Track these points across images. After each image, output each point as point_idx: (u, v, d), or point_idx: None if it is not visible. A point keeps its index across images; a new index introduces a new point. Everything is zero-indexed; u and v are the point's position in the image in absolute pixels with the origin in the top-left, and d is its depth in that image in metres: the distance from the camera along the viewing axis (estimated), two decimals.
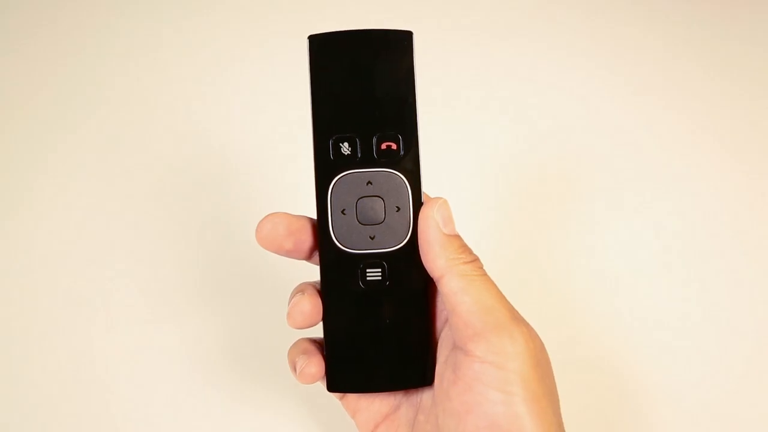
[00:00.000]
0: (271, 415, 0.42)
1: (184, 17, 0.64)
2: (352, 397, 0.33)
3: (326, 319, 0.31)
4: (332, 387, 0.32)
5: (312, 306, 0.31)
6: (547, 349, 0.30)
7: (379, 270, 0.31)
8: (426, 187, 0.31)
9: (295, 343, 0.33)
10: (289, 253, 0.31)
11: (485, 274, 0.30)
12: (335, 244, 0.31)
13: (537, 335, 0.29)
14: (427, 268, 0.30)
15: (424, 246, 0.30)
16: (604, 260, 0.50)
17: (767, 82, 0.62)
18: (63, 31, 0.63)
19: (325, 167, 0.31)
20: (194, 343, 0.45)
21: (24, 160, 0.54)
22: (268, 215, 0.31)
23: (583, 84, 0.61)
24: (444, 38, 0.63)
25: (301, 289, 0.32)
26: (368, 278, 0.31)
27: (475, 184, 0.54)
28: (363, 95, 0.30)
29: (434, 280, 0.30)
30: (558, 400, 0.29)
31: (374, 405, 0.33)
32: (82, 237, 0.50)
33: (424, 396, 0.32)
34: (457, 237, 0.30)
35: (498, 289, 0.30)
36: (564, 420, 0.29)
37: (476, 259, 0.30)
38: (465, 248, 0.30)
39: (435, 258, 0.29)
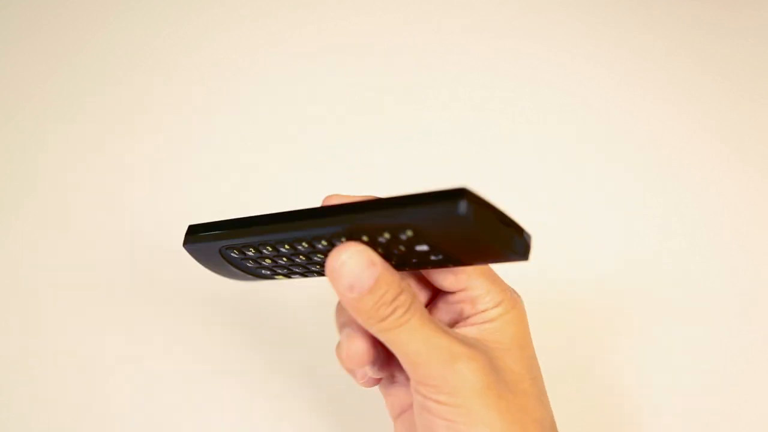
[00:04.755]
0: (272, 415, 0.42)
1: (183, 18, 0.64)
2: (385, 382, 0.33)
3: None
4: None
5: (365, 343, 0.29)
6: (511, 364, 0.28)
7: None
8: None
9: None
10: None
11: (410, 318, 0.27)
12: None
13: (483, 352, 0.28)
14: None
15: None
16: (605, 260, 0.50)
17: (767, 81, 0.62)
18: (63, 29, 0.63)
19: None
20: (194, 343, 0.45)
21: (24, 159, 0.54)
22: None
23: (583, 84, 0.61)
24: (444, 38, 0.63)
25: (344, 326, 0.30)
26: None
27: (474, 183, 0.54)
28: None
29: None
30: (537, 408, 0.28)
31: (401, 393, 0.33)
32: (82, 236, 0.50)
33: None
34: (370, 293, 0.26)
35: (429, 326, 0.27)
36: (564, 420, 0.29)
37: (396, 307, 0.26)
38: (381, 302, 0.26)
39: (356, 317, 0.28)
